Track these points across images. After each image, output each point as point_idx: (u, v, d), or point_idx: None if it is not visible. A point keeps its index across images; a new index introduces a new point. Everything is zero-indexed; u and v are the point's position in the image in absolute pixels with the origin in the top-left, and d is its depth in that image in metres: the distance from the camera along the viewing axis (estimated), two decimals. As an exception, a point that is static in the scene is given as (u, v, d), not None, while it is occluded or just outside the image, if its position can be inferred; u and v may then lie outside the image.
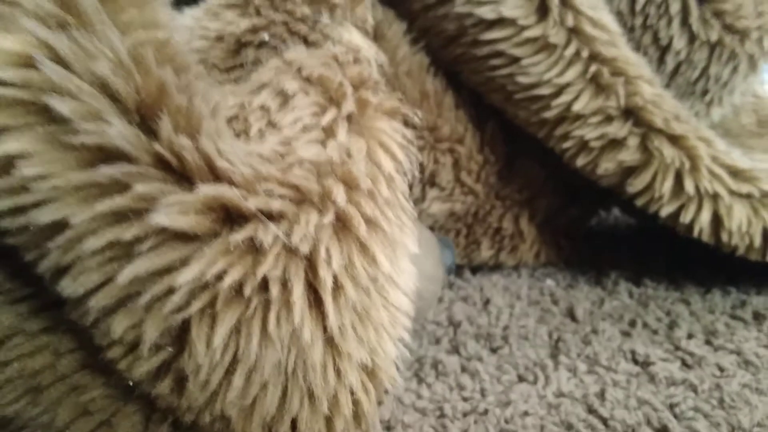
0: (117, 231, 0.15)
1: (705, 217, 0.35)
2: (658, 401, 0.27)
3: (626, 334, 0.34)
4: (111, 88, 0.16)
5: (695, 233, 0.36)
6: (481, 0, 0.35)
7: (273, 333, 0.15)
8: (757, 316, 0.35)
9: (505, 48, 0.35)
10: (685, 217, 0.36)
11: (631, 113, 0.36)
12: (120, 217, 0.15)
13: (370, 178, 0.18)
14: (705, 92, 0.45)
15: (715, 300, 0.38)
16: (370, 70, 0.23)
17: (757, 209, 0.35)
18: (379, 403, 0.19)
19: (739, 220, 0.35)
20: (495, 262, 0.42)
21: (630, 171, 0.36)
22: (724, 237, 0.35)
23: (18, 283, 0.17)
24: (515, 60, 0.35)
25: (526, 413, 0.27)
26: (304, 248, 0.16)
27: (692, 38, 0.41)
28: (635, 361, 0.31)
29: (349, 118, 0.20)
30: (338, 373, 0.17)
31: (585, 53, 0.35)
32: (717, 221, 0.35)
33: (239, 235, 0.15)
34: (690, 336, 0.33)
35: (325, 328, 0.16)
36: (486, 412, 0.27)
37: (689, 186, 0.35)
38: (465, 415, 0.27)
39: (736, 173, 0.36)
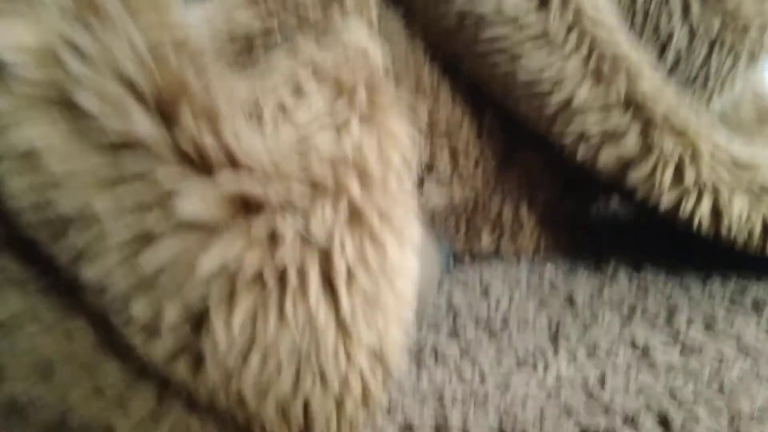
0: (139, 219, 0.15)
1: (705, 208, 0.36)
2: (658, 387, 0.28)
3: (626, 321, 0.35)
4: (132, 83, 0.17)
5: (695, 225, 0.37)
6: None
7: (289, 316, 0.16)
8: (757, 303, 0.36)
9: (506, 45, 0.36)
10: (685, 209, 0.36)
11: (630, 106, 0.36)
12: (143, 205, 0.16)
13: (382, 172, 0.19)
14: (705, 86, 0.45)
15: (715, 287, 0.38)
16: (378, 70, 0.24)
17: (758, 200, 0.36)
18: (385, 386, 0.20)
19: (739, 210, 0.36)
20: (495, 250, 0.42)
21: (629, 163, 0.37)
22: (724, 229, 0.36)
23: (30, 269, 0.18)
24: (516, 56, 0.36)
25: (526, 398, 0.28)
26: (320, 238, 0.17)
27: (692, 33, 0.41)
28: (635, 347, 0.32)
29: (361, 115, 0.21)
30: (348, 356, 0.18)
31: (585, 48, 0.35)
32: (717, 213, 0.36)
33: (258, 224, 0.16)
34: (690, 322, 0.34)
35: (337, 313, 0.17)
36: (486, 396, 0.28)
37: (689, 178, 0.36)
38: (465, 400, 0.28)
39: (736, 165, 0.36)
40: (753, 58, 0.45)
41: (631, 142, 0.36)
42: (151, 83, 0.17)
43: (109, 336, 0.17)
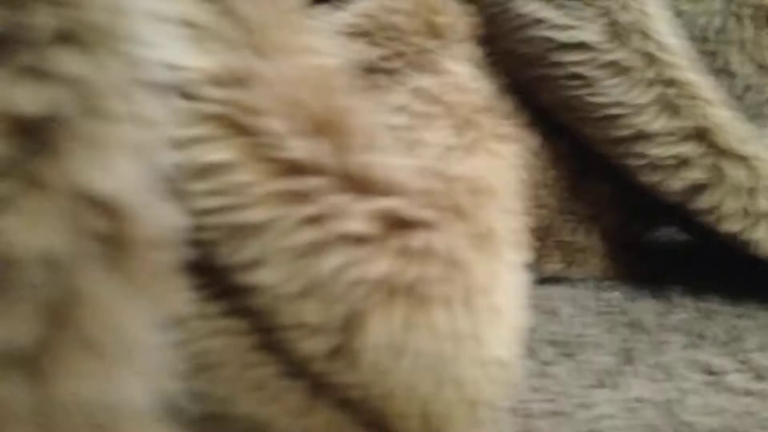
0: (307, 232, 0.17)
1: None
2: (736, 410, 0.29)
3: (696, 346, 0.35)
4: (294, 108, 0.18)
5: (757, 250, 0.38)
6: (562, 25, 0.37)
7: (439, 326, 0.17)
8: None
9: (584, 70, 0.37)
10: (750, 236, 0.38)
11: (702, 137, 0.38)
12: (310, 220, 0.17)
13: (506, 194, 0.21)
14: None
15: (781, 315, 0.39)
16: (484, 98, 0.26)
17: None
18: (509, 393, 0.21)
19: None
20: (565, 275, 0.44)
21: (698, 190, 0.38)
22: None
23: (197, 274, 0.19)
24: (593, 82, 0.38)
25: (609, 416, 0.29)
26: (461, 255, 0.18)
27: (760, 65, 0.43)
28: (707, 371, 0.33)
29: (479, 138, 0.23)
30: (482, 364, 0.19)
31: (660, 77, 0.37)
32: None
33: (413, 240, 0.17)
34: (761, 349, 0.35)
35: (474, 325, 0.19)
36: (571, 414, 0.29)
37: (756, 206, 0.37)
38: (549, 415, 0.29)
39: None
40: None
41: (701, 169, 0.38)
42: (310, 109, 0.19)
43: (268, 337, 0.18)
